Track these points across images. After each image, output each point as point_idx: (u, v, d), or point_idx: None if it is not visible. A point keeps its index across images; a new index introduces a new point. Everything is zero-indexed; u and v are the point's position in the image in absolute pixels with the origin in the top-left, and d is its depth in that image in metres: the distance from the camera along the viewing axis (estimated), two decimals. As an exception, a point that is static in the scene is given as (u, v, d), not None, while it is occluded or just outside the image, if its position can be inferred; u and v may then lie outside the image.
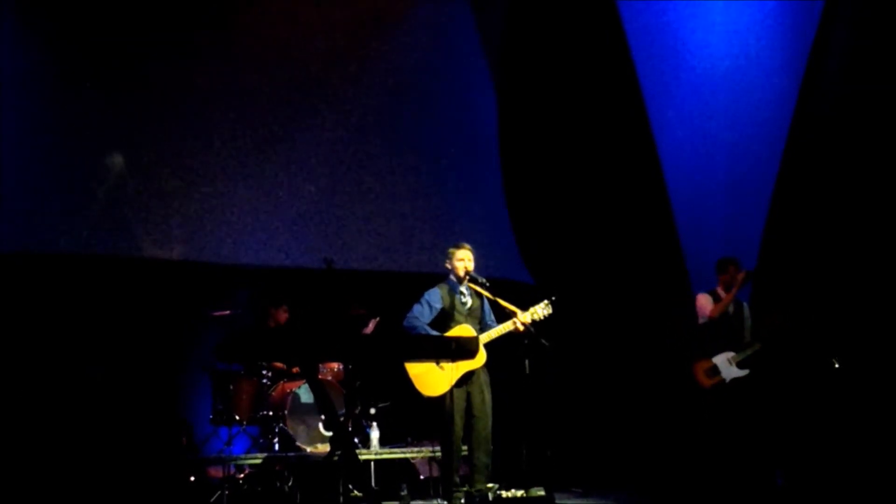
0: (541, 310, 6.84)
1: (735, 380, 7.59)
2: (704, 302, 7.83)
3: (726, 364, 7.65)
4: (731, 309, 7.80)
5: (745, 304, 7.92)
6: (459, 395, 6.80)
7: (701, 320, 7.85)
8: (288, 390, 8.18)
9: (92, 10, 8.33)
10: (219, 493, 7.61)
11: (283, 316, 8.64)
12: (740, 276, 7.75)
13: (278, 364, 8.35)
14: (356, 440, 8.06)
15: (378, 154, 9.53)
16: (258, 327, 8.62)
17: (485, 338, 6.82)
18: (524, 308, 6.84)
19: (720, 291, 7.83)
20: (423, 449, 8.14)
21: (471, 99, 10.03)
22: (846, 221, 8.22)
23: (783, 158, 8.82)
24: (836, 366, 7.63)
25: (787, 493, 7.52)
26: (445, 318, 6.92)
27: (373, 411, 8.33)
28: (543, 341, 6.73)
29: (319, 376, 8.10)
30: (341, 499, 6.70)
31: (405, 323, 6.88)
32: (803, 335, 7.69)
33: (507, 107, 9.99)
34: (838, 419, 7.83)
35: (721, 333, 7.71)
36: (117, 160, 8.40)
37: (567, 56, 9.58)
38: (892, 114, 7.98)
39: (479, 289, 6.93)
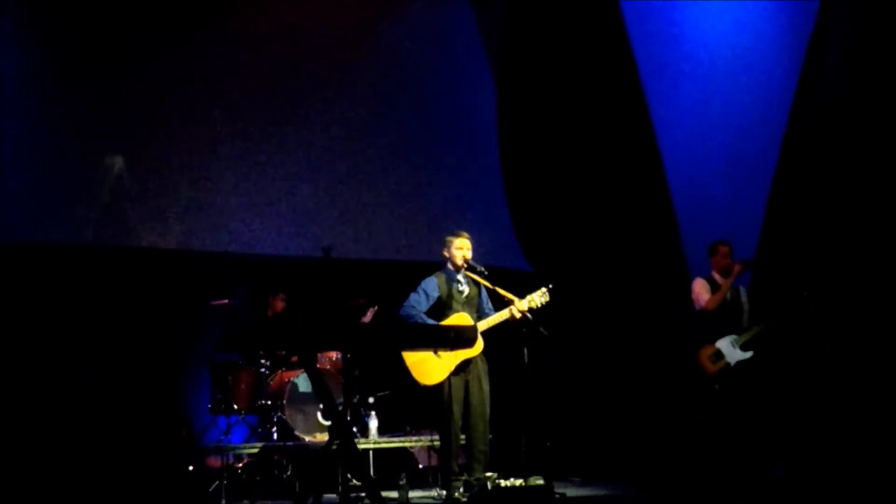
0: (538, 298, 6.83)
1: (740, 363, 7.58)
2: (700, 289, 7.80)
3: (730, 347, 7.64)
4: (728, 294, 7.79)
5: (741, 289, 7.90)
6: (457, 384, 6.80)
7: (697, 307, 7.84)
8: (286, 380, 8.18)
9: (90, 6, 8.32)
10: (217, 482, 7.61)
11: (279, 305, 8.65)
12: (737, 266, 7.73)
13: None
14: (355, 429, 8.06)
15: (377, 144, 9.53)
16: (257, 317, 8.61)
17: (482, 326, 6.82)
18: (522, 296, 6.84)
19: (715, 275, 7.82)
20: (422, 438, 8.14)
21: (471, 89, 10.03)
22: (844, 213, 8.20)
23: (782, 150, 8.80)
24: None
25: (785, 485, 7.51)
26: (442, 306, 6.91)
27: (371, 400, 8.33)
28: (542, 330, 6.72)
29: (318, 365, 8.10)
30: (340, 488, 6.68)
31: (402, 312, 6.87)
32: (803, 321, 7.66)
33: (507, 97, 9.98)
34: (838, 410, 7.82)
35: (720, 319, 7.69)
36: (115, 155, 8.39)
37: (568, 50, 9.57)
38: (889, 106, 7.97)
39: (476, 277, 6.92)
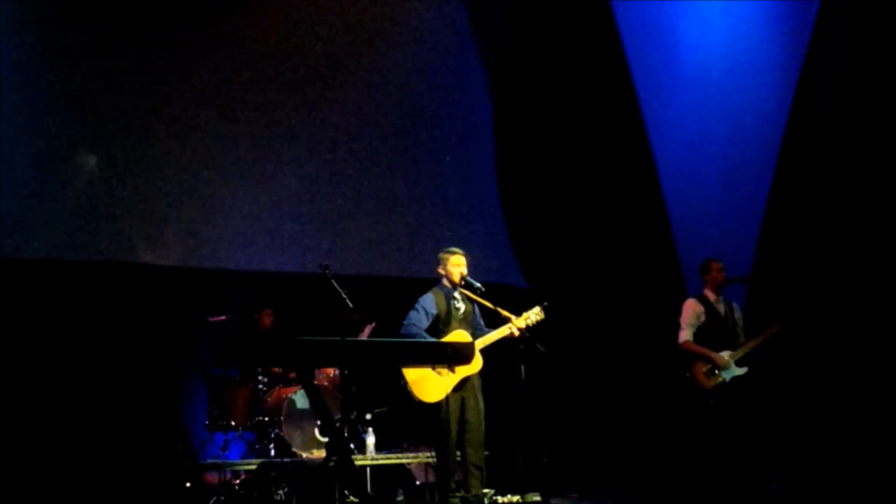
0: (534, 315, 6.86)
1: (735, 379, 7.57)
2: (686, 316, 7.76)
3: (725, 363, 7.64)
4: (722, 310, 7.79)
5: (734, 304, 7.91)
6: (455, 401, 6.81)
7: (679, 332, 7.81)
8: (284, 396, 8.18)
9: (89, 8, 8.34)
10: (214, 498, 7.60)
11: (267, 320, 8.64)
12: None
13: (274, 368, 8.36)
14: (352, 446, 8.06)
15: (373, 159, 9.52)
16: (248, 333, 8.61)
17: (480, 343, 6.83)
18: (519, 313, 6.85)
19: (707, 293, 7.83)
20: (419, 454, 8.14)
21: (467, 102, 10.04)
22: (843, 223, 8.21)
23: (779, 159, 8.82)
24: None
25: (782, 500, 7.51)
26: (441, 323, 6.92)
27: (369, 417, 8.32)
28: (539, 346, 6.74)
29: (315, 382, 8.11)
30: (337, 504, 6.71)
31: (403, 331, 6.85)
32: (798, 332, 7.66)
33: (502, 109, 10.01)
34: (834, 424, 7.83)
35: (715, 334, 7.69)
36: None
37: (562, 58, 9.62)
38: (888, 113, 7.98)
39: (470, 294, 6.94)
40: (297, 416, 8.16)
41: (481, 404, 6.91)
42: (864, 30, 8.25)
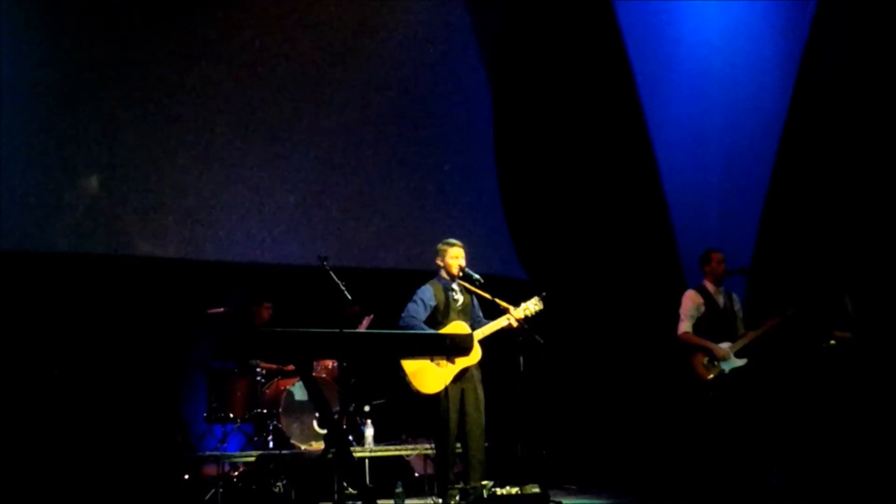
0: (532, 306, 6.85)
1: (734, 370, 7.57)
2: (685, 308, 7.76)
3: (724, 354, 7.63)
4: (721, 301, 7.79)
5: (734, 296, 7.90)
6: (454, 393, 6.79)
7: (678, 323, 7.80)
8: (282, 388, 8.18)
9: (88, 7, 8.32)
10: (213, 490, 7.61)
11: (266, 313, 8.63)
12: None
13: (266, 364, 8.36)
14: (351, 438, 8.07)
15: (372, 152, 9.53)
16: (247, 326, 8.60)
17: (479, 334, 6.82)
18: (517, 304, 6.84)
19: (707, 284, 7.82)
20: (418, 446, 8.14)
21: (466, 96, 10.04)
22: (841, 218, 8.22)
23: (778, 155, 8.83)
24: (832, 342, 7.60)
25: (781, 492, 7.51)
26: (439, 315, 6.90)
27: (367, 409, 8.33)
28: (538, 338, 6.73)
29: (314, 374, 8.10)
30: (336, 496, 6.68)
31: (401, 322, 6.83)
32: (806, 324, 7.66)
33: (502, 104, 10.00)
34: (833, 417, 7.83)
35: (714, 326, 7.69)
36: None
37: (563, 55, 9.61)
38: (886, 110, 8.00)
39: (468, 285, 6.92)
40: (295, 408, 8.16)
41: (481, 396, 6.90)
42: (861, 29, 8.27)
